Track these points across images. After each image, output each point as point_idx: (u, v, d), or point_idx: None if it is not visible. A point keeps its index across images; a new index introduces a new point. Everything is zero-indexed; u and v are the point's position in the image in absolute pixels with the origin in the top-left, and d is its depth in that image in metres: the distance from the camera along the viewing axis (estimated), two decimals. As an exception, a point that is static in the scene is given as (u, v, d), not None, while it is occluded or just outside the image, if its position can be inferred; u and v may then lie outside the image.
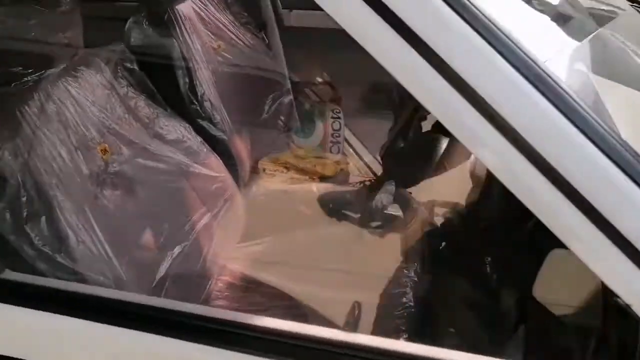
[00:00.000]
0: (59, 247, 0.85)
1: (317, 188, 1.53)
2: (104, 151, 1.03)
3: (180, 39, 1.46)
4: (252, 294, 1.27)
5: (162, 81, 1.36)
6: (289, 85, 2.06)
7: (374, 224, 1.27)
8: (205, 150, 1.30)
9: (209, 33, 1.64)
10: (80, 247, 0.89)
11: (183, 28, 1.48)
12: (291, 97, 2.04)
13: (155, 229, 1.10)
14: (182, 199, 1.21)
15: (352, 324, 0.86)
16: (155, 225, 1.10)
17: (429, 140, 1.45)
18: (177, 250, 1.12)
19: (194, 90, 1.45)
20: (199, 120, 1.45)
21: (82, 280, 0.85)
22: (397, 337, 1.02)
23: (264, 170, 1.75)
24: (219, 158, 1.35)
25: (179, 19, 1.47)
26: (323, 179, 1.68)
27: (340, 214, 1.35)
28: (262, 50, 1.92)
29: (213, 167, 1.31)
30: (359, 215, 1.28)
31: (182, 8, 1.49)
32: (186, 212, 1.21)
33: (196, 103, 1.44)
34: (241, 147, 1.61)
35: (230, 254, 1.36)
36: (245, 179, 1.63)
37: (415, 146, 1.48)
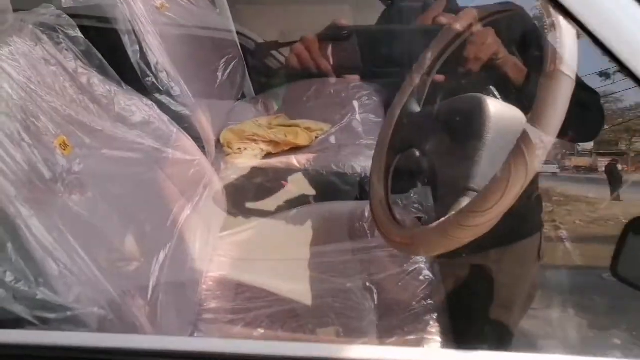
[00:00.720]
0: (36, 279, 0.65)
1: (298, 160, 1.38)
2: (64, 145, 0.81)
3: (120, -4, 1.21)
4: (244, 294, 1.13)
5: (106, 51, 1.12)
6: (239, 45, 1.85)
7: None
8: (175, 130, 1.10)
9: (149, -12, 1.39)
10: (61, 272, 0.69)
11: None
12: (243, 59, 1.84)
13: (136, 233, 0.91)
14: (158, 191, 1.02)
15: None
16: (136, 229, 0.91)
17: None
18: (162, 254, 0.95)
19: (145, 59, 1.22)
20: (157, 94, 1.23)
21: (75, 319, 0.66)
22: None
23: (228, 145, 1.56)
24: (190, 138, 1.16)
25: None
26: (296, 149, 1.53)
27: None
28: (206, 7, 1.69)
29: (187, 149, 1.12)
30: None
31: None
32: (165, 207, 1.02)
33: (151, 74, 1.22)
34: (204, 121, 1.41)
35: (215, 248, 1.20)
36: (212, 157, 1.44)
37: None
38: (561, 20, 0.58)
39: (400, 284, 1.07)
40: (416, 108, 0.95)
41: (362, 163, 1.38)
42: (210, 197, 1.16)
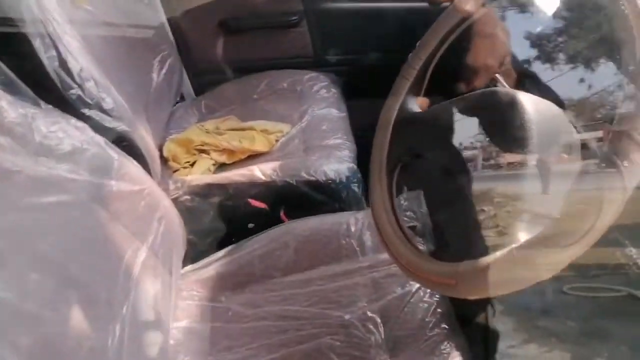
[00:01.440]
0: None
1: (262, 171, 1.19)
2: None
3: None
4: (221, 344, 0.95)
5: (13, 61, 0.87)
6: (173, 40, 1.62)
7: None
8: (116, 156, 0.88)
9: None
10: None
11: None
12: (178, 55, 1.61)
13: (81, 304, 0.69)
14: (104, 238, 0.80)
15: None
16: (80, 298, 0.70)
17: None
18: (118, 324, 0.74)
19: (66, 66, 0.98)
20: (85, 110, 1.00)
21: None
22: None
23: (173, 159, 1.34)
24: (134, 161, 0.94)
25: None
26: (255, 157, 1.33)
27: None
28: (131, -2, 1.43)
29: (133, 177, 0.90)
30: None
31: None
32: (116, 257, 0.81)
33: (75, 85, 0.99)
34: (145, 136, 1.18)
35: (179, 290, 1.00)
36: (159, 177, 1.22)
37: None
38: None
39: (406, 309, 0.93)
40: (415, 108, 0.79)
41: (334, 166, 1.22)
42: (168, 230, 0.95)
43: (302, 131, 1.39)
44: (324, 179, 1.18)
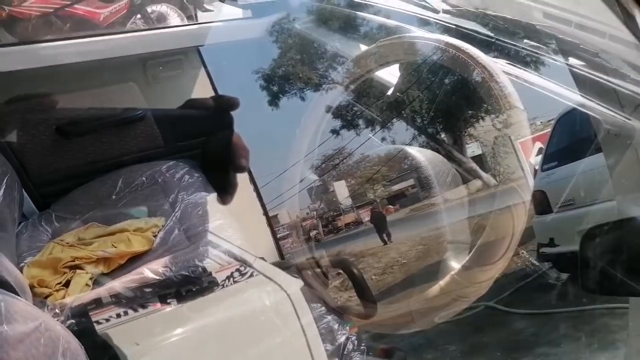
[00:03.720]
0: None
1: (153, 271, 1.13)
2: None
3: None
4: None
5: None
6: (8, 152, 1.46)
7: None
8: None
9: None
10: None
11: None
12: (13, 170, 1.45)
13: None
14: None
15: None
16: None
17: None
18: None
19: None
20: None
21: None
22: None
23: (39, 284, 1.19)
24: (18, 297, 0.82)
25: None
26: (134, 259, 1.25)
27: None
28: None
29: (24, 313, 0.79)
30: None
31: None
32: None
33: None
34: (8, 265, 1.04)
35: None
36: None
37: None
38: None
39: None
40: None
41: (226, 248, 1.22)
42: (73, 363, 0.84)
43: (177, 222, 1.36)
44: (225, 263, 1.18)
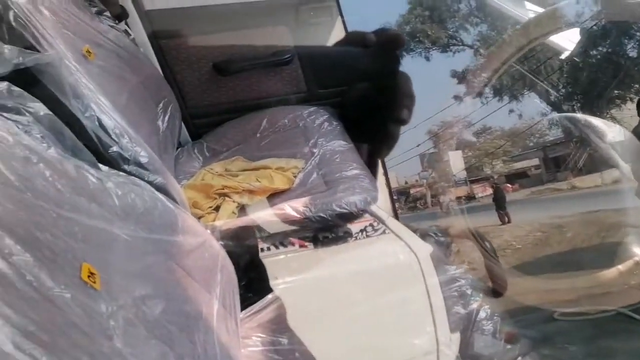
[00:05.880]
0: None
1: (294, 208, 1.20)
2: (91, 276, 0.56)
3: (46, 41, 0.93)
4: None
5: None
6: (166, 83, 1.60)
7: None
8: (175, 210, 0.86)
9: (69, 33, 1.10)
10: None
11: (42, 29, 0.95)
12: (175, 101, 1.59)
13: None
14: (183, 296, 0.78)
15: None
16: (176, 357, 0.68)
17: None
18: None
19: (102, 125, 0.95)
20: (125, 166, 0.97)
21: None
22: None
23: (194, 206, 1.31)
24: (190, 214, 0.92)
25: (30, 15, 0.93)
26: (275, 195, 1.34)
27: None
28: (129, 46, 1.41)
29: (194, 230, 0.89)
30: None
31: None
32: (194, 312, 0.79)
33: (114, 143, 0.96)
34: (175, 185, 1.16)
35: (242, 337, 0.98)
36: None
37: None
38: None
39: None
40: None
41: (361, 197, 1.25)
42: (227, 280, 0.94)
43: (316, 166, 1.41)
44: (355, 209, 1.21)
